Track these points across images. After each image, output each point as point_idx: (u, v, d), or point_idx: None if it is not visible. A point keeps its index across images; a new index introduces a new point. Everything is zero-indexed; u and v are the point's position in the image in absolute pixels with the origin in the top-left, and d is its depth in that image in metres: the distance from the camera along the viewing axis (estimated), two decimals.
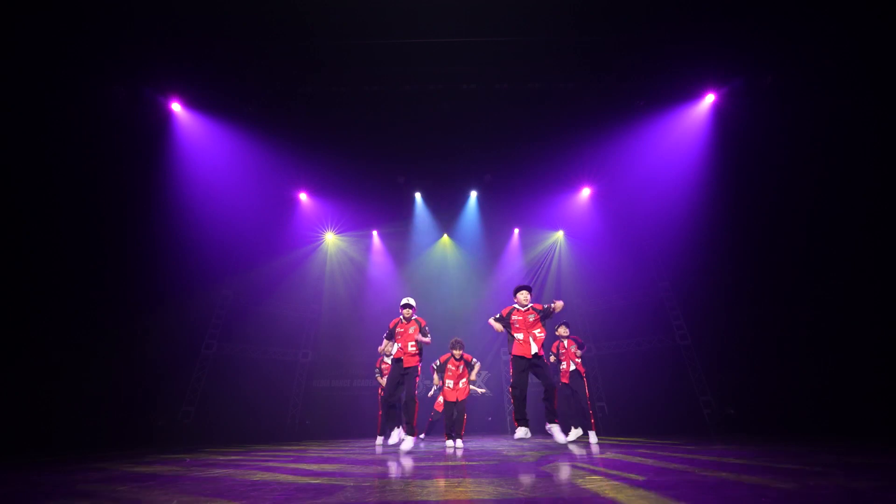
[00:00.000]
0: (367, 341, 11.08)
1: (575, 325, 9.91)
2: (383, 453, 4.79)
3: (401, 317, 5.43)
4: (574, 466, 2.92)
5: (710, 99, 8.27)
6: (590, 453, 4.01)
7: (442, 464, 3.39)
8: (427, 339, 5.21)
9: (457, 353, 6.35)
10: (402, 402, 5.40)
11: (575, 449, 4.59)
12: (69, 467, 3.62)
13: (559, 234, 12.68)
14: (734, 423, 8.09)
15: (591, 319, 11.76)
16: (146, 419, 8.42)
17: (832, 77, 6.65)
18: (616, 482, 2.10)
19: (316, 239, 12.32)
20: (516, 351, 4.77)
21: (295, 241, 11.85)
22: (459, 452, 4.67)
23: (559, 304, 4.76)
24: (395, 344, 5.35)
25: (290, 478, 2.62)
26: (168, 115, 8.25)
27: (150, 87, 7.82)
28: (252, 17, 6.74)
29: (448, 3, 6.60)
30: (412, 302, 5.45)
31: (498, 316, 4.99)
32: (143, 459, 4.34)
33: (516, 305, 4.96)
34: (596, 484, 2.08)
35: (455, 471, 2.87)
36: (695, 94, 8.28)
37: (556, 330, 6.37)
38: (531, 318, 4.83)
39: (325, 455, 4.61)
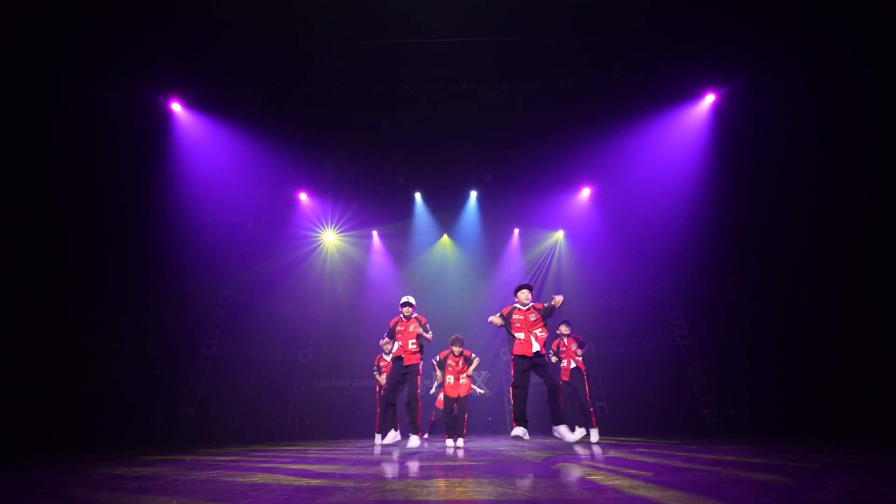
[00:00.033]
0: (367, 341, 11.06)
1: (575, 325, 9.88)
2: (382, 453, 4.79)
3: (401, 315, 5.43)
4: (576, 467, 2.92)
5: (710, 99, 8.26)
6: (591, 453, 4.01)
7: (442, 464, 3.39)
8: (429, 336, 5.21)
9: (456, 349, 6.36)
10: (404, 402, 5.39)
11: (576, 449, 4.58)
12: (69, 467, 3.61)
13: (559, 234, 12.67)
14: (734, 423, 8.09)
15: (591, 319, 11.77)
16: (146, 419, 8.42)
17: (832, 77, 6.65)
18: (617, 482, 2.10)
19: (316, 239, 12.32)
20: (517, 350, 4.76)
21: (295, 241, 11.85)
22: (460, 452, 4.66)
23: (559, 298, 4.72)
24: (396, 342, 5.36)
25: (290, 478, 2.62)
26: (168, 115, 8.25)
27: (150, 87, 7.81)
28: (252, 17, 6.74)
29: (448, 3, 6.60)
30: (412, 300, 5.45)
31: (499, 315, 5.00)
32: (143, 459, 4.33)
33: (517, 305, 4.96)
34: (597, 484, 2.07)
35: (455, 471, 2.87)
36: (695, 94, 8.27)
37: (558, 329, 6.38)
38: (532, 317, 4.82)
39: (325, 455, 4.60)
